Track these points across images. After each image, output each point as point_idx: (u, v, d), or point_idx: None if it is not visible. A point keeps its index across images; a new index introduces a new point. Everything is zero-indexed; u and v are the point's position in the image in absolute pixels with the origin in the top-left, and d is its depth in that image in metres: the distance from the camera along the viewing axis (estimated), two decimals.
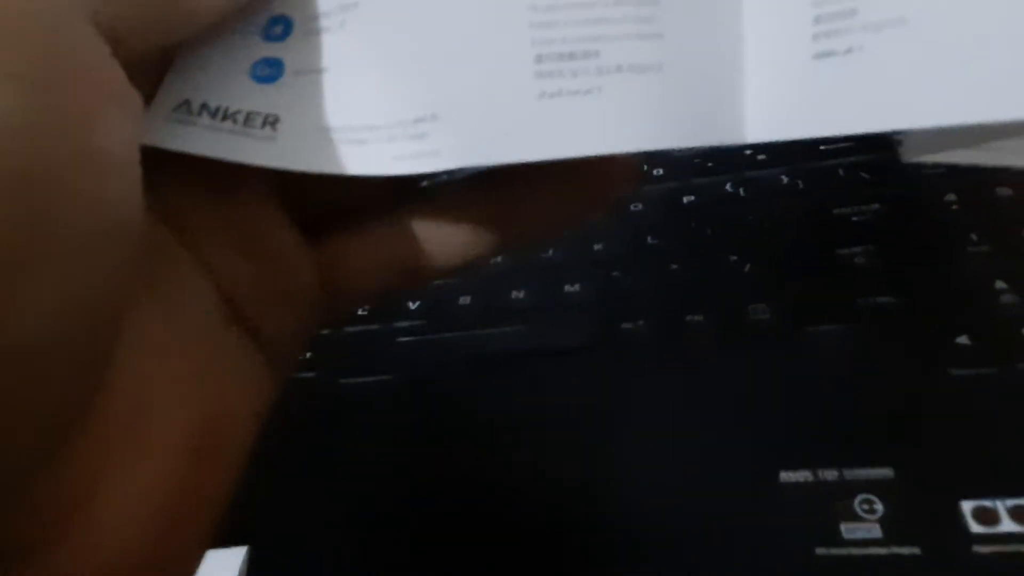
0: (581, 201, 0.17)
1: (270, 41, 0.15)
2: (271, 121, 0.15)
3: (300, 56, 0.15)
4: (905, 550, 0.21)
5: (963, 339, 0.26)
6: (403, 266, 0.17)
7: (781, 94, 0.14)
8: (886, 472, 0.23)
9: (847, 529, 0.22)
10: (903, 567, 0.21)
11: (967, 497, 0.21)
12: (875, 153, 0.35)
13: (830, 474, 0.23)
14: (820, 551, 0.22)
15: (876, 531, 0.22)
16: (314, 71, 0.15)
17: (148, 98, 0.15)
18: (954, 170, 0.33)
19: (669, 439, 0.25)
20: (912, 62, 0.12)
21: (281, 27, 0.15)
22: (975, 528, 0.21)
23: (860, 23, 0.13)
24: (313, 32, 0.15)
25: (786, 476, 0.23)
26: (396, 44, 0.14)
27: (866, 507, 0.22)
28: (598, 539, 0.23)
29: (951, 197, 0.32)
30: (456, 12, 0.14)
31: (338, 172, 0.14)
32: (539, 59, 0.13)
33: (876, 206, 0.32)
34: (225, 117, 0.15)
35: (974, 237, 0.30)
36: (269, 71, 0.15)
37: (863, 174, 0.35)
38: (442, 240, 0.17)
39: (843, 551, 0.21)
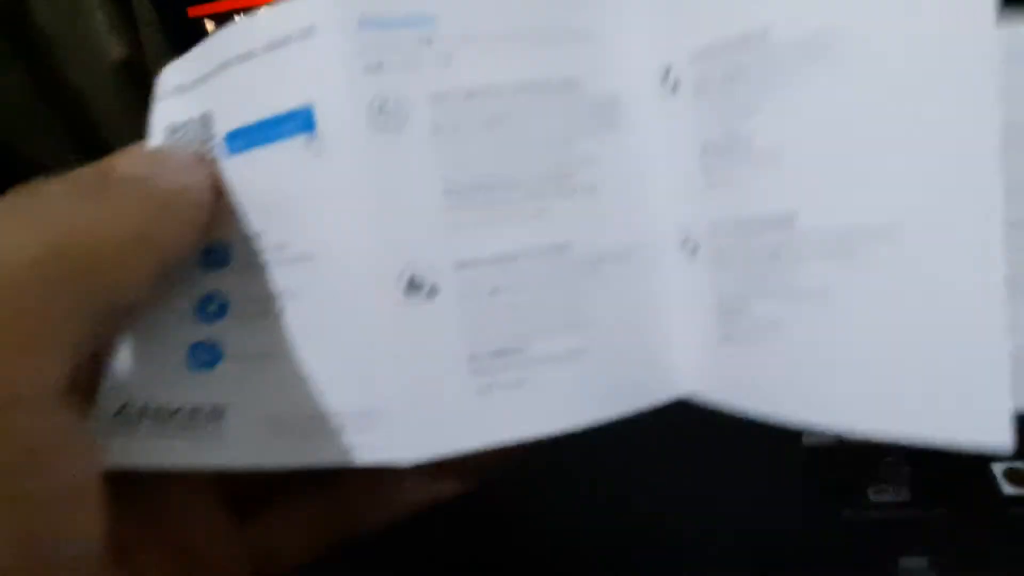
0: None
1: (205, 322, 0.15)
2: (216, 415, 0.15)
3: (239, 339, 0.15)
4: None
5: None
6: (338, 530, 0.17)
7: (700, 365, 0.15)
8: None
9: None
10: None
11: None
12: None
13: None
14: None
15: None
16: (256, 356, 0.15)
17: None
18: None
19: None
20: (788, 364, 0.13)
21: (216, 306, 0.15)
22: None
23: (749, 319, 0.14)
24: (252, 315, 0.15)
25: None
26: (339, 333, 0.14)
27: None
28: None
29: None
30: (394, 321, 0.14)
31: (291, 467, 0.14)
32: (472, 358, 0.14)
33: None
34: (167, 419, 0.15)
35: None
36: (207, 356, 0.15)
37: None
38: (376, 498, 0.17)
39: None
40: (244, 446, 0.15)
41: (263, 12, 0.14)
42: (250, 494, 0.17)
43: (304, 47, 0.14)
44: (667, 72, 0.15)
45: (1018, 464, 0.21)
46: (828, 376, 0.13)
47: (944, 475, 0.22)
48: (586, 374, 0.15)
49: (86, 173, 0.14)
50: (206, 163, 0.16)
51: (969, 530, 0.21)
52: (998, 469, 0.21)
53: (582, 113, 0.15)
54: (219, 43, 0.15)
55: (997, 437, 0.11)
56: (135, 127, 0.17)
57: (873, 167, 0.12)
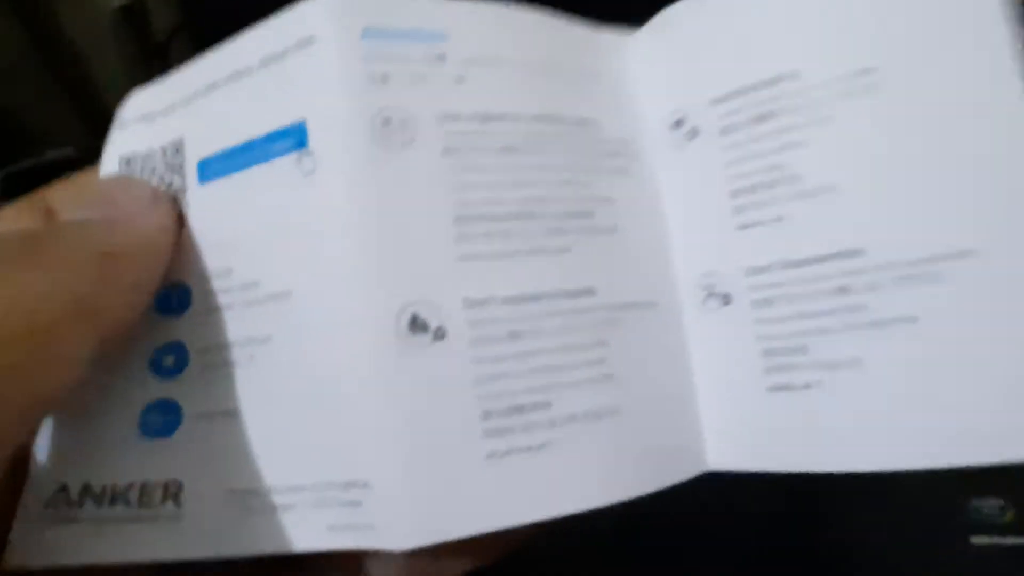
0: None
1: (160, 378, 0.13)
2: (172, 492, 0.12)
3: (199, 397, 0.13)
4: None
5: None
6: None
7: (739, 425, 0.13)
8: None
9: None
10: None
11: None
12: None
13: None
14: None
15: None
16: (218, 416, 0.13)
17: None
18: None
19: None
20: (866, 405, 0.12)
21: (173, 358, 0.13)
22: None
23: (811, 361, 0.13)
24: (215, 367, 0.13)
25: None
26: (320, 386, 0.12)
27: None
28: None
29: None
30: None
31: (265, 552, 0.12)
32: (486, 415, 0.12)
33: None
34: (115, 499, 0.12)
35: None
36: (162, 419, 0.13)
37: None
38: None
39: None
40: (204, 531, 0.12)
41: (259, 27, 0.13)
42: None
43: (301, 58, 0.13)
44: (680, 122, 0.14)
45: None
46: (920, 408, 0.12)
47: None
48: (617, 437, 0.13)
49: (16, 232, 0.12)
50: (165, 198, 0.14)
51: None
52: None
53: (598, 153, 0.14)
54: (202, 68, 0.14)
55: None
56: (133, 82, 0.15)
57: (937, 195, 0.12)
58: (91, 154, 0.16)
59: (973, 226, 0.12)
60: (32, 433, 0.12)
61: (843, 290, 0.12)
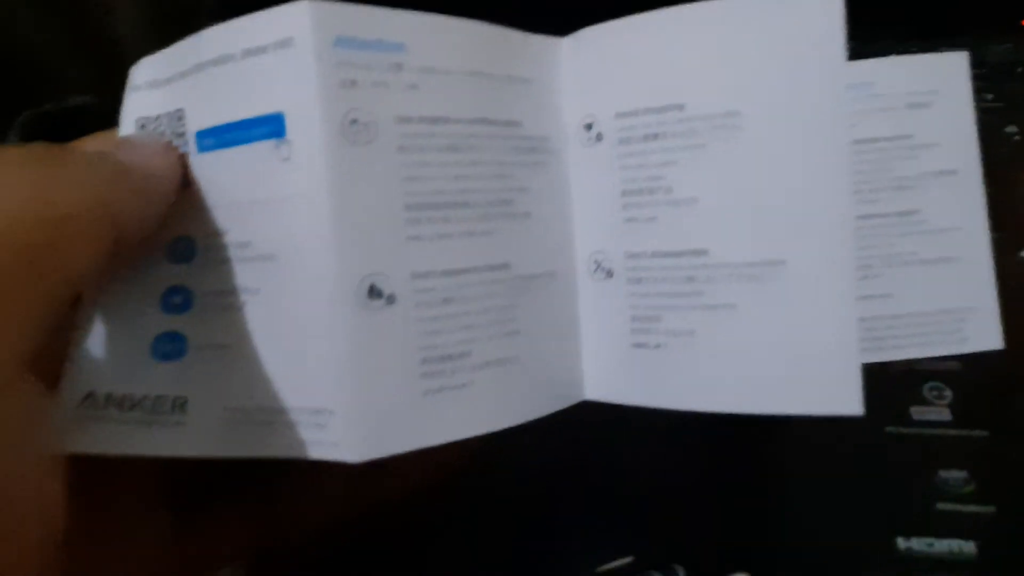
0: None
1: (170, 314, 0.16)
2: (179, 404, 0.15)
3: (202, 332, 0.16)
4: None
5: None
6: (274, 530, 0.18)
7: (610, 370, 0.18)
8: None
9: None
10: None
11: None
12: None
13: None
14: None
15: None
16: (217, 349, 0.16)
17: None
18: None
19: None
20: (695, 364, 0.17)
21: (180, 298, 0.16)
22: None
23: (663, 328, 0.17)
24: (215, 309, 0.16)
25: None
26: (297, 333, 0.15)
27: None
28: None
29: None
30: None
31: (249, 456, 0.15)
32: (424, 362, 0.15)
33: None
34: (133, 406, 0.15)
35: None
36: (171, 347, 0.16)
37: None
38: (314, 497, 0.18)
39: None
40: (204, 436, 0.15)
41: (242, 19, 0.15)
42: (190, 493, 0.17)
43: (280, 57, 0.15)
44: (590, 126, 0.18)
45: None
46: (731, 369, 0.16)
47: (983, 401, 0.24)
48: (517, 378, 0.16)
49: (48, 145, 0.14)
50: (174, 151, 0.16)
51: (1006, 448, 0.23)
52: None
53: (520, 149, 0.17)
54: (196, 45, 0.16)
55: (851, 407, 0.15)
56: (157, 39, 0.17)
57: (765, 216, 0.16)
58: (110, 104, 0.17)
59: (787, 244, 0.16)
60: (60, 315, 0.13)
61: (690, 279, 0.16)
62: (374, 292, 0.15)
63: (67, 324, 0.15)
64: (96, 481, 0.15)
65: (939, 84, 0.21)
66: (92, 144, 0.16)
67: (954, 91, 0.21)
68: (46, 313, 0.12)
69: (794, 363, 0.15)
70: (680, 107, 0.16)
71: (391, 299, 0.15)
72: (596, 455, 0.24)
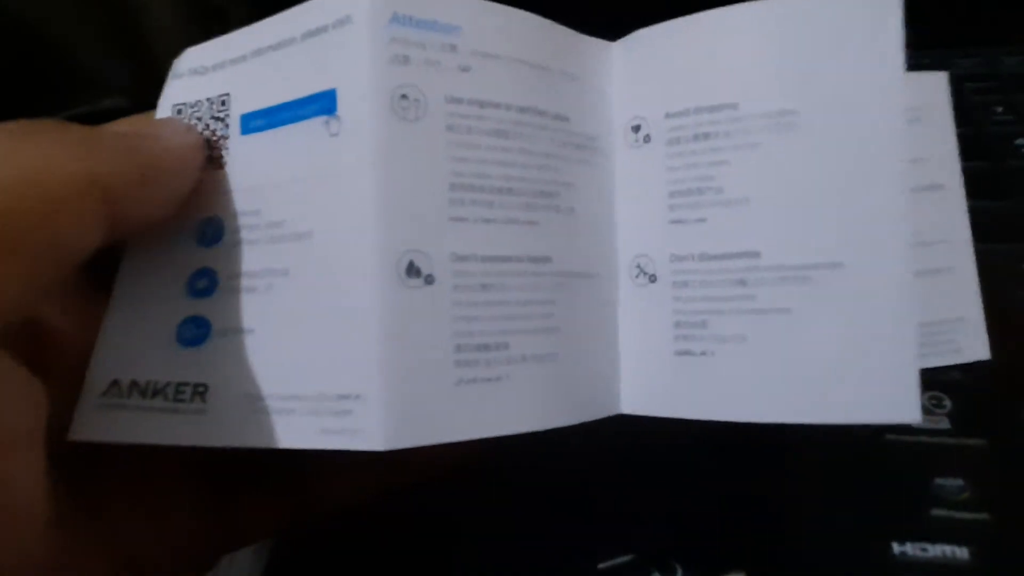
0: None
1: (195, 297, 0.16)
2: (200, 391, 0.15)
3: (226, 316, 0.15)
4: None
5: None
6: (303, 513, 0.18)
7: (650, 379, 0.17)
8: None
9: None
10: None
11: None
12: None
13: None
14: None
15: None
16: (241, 333, 0.15)
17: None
18: None
19: None
20: (744, 372, 0.16)
21: (206, 282, 0.16)
22: None
23: (709, 334, 0.16)
24: (239, 290, 0.15)
25: None
26: (329, 313, 0.15)
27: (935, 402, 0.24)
28: None
29: None
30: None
31: (268, 446, 0.15)
32: (458, 349, 0.15)
33: None
34: (155, 393, 0.15)
35: None
36: (196, 332, 0.15)
37: None
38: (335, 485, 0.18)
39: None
40: (224, 425, 0.15)
41: (305, 4, 0.15)
42: (223, 470, 0.17)
43: (338, 35, 0.15)
44: (638, 128, 0.17)
45: None
46: (783, 376, 0.15)
47: (982, 412, 0.24)
48: (553, 379, 0.16)
49: (40, 120, 0.13)
50: (193, 133, 0.16)
51: (1003, 457, 0.24)
52: None
53: (568, 145, 0.17)
54: (254, 32, 0.16)
55: (910, 414, 0.15)
56: (187, 42, 0.17)
57: (821, 218, 0.15)
58: (143, 107, 0.18)
59: (844, 246, 0.15)
60: (38, 291, 0.13)
61: (741, 282, 0.16)
62: (412, 270, 0.14)
63: (66, 310, 0.15)
64: (131, 456, 0.15)
65: (921, 102, 0.22)
66: (118, 126, 0.16)
67: (936, 109, 0.22)
68: (21, 288, 0.12)
69: (851, 370, 0.15)
70: (734, 106, 0.16)
71: (430, 279, 0.14)
72: (596, 454, 0.25)
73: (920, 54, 0.37)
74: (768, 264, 0.16)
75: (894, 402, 0.15)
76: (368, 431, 0.14)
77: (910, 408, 0.15)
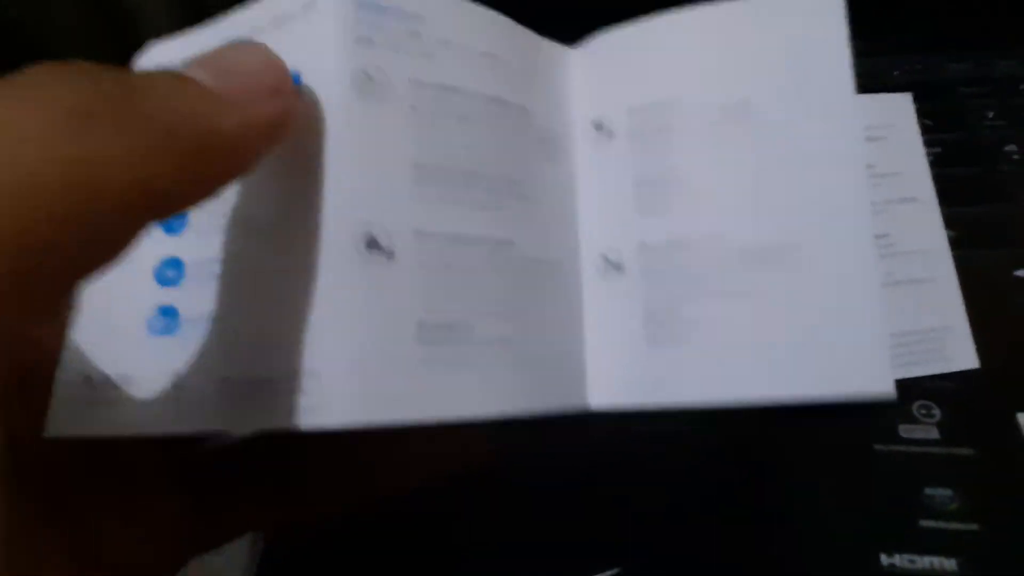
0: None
1: (164, 286, 0.16)
2: (173, 381, 0.15)
3: (194, 302, 0.15)
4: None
5: None
6: (293, 513, 0.18)
7: (623, 369, 0.17)
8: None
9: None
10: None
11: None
12: None
13: None
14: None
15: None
16: (209, 318, 0.15)
17: None
18: None
19: None
20: (712, 355, 0.16)
21: (174, 270, 0.16)
22: None
23: (679, 320, 0.16)
24: (206, 276, 0.15)
25: None
26: (292, 292, 0.14)
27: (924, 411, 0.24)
28: None
29: None
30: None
31: (242, 431, 0.15)
32: (421, 326, 0.14)
33: None
34: (129, 385, 0.15)
35: None
36: (166, 321, 0.15)
37: None
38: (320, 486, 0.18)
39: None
40: (199, 412, 0.14)
41: None
42: (210, 469, 0.17)
43: (303, 20, 0.15)
44: (600, 126, 0.18)
45: None
46: (755, 356, 0.16)
47: (971, 422, 0.24)
48: (520, 363, 0.16)
49: (97, 89, 0.11)
50: (287, 90, 0.14)
51: (992, 468, 0.24)
52: (1022, 419, 0.24)
53: (531, 139, 0.17)
54: (226, 24, 0.16)
55: (883, 386, 0.15)
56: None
57: (780, 199, 0.16)
58: None
59: (800, 227, 0.16)
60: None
61: (707, 266, 0.16)
62: (373, 244, 0.14)
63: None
64: (109, 454, 0.15)
65: (890, 120, 0.22)
66: (175, 88, 0.12)
67: (904, 127, 0.22)
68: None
69: (821, 345, 0.15)
70: (692, 98, 0.17)
71: (391, 254, 0.14)
72: (583, 468, 0.25)
73: (913, 59, 0.37)
74: (732, 247, 0.16)
75: (866, 374, 0.15)
76: (325, 407, 0.13)
77: (882, 380, 0.15)
